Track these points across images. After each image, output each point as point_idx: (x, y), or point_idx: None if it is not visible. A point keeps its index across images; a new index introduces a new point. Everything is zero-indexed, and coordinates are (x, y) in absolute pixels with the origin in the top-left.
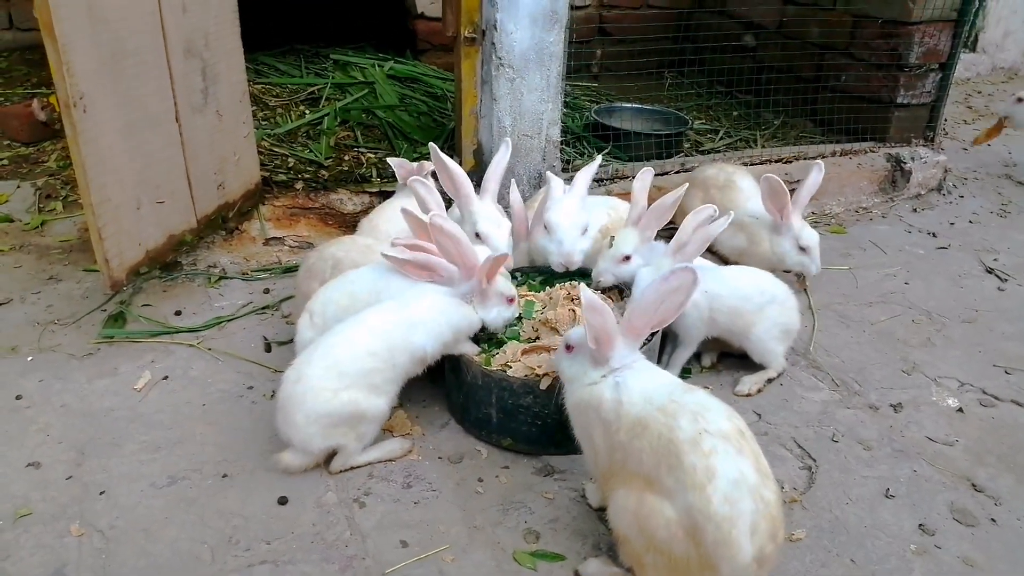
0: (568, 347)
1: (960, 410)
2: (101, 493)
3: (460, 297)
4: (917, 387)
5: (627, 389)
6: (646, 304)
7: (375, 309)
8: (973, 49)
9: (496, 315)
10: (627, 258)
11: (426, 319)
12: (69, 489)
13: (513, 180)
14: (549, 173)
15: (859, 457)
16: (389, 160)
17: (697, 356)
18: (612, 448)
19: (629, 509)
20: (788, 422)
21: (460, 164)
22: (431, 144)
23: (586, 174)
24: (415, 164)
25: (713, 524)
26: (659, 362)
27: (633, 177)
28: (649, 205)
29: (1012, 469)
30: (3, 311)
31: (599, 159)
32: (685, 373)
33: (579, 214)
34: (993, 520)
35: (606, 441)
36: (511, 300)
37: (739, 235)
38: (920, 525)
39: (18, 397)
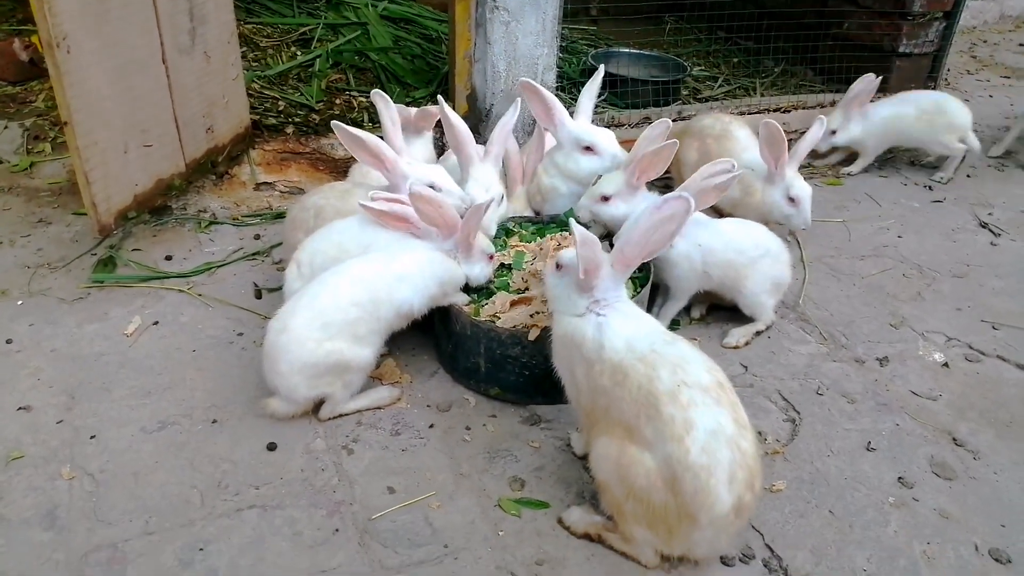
0: (558, 265)
1: (945, 365)
2: (92, 437)
3: (445, 252)
4: (904, 341)
5: (609, 332)
6: (638, 233)
7: (360, 260)
8: None
9: (479, 271)
10: (606, 199)
11: (412, 273)
12: (60, 433)
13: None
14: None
15: (843, 410)
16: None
17: (687, 308)
18: (595, 391)
19: (611, 458)
20: (774, 375)
21: (453, 109)
22: (439, 98)
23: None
24: (414, 110)
25: (691, 474)
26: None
27: (630, 125)
28: None
29: (993, 424)
30: None
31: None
32: (674, 324)
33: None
34: (971, 474)
35: (588, 382)
36: (491, 257)
37: (734, 186)
38: (899, 478)
39: (8, 341)
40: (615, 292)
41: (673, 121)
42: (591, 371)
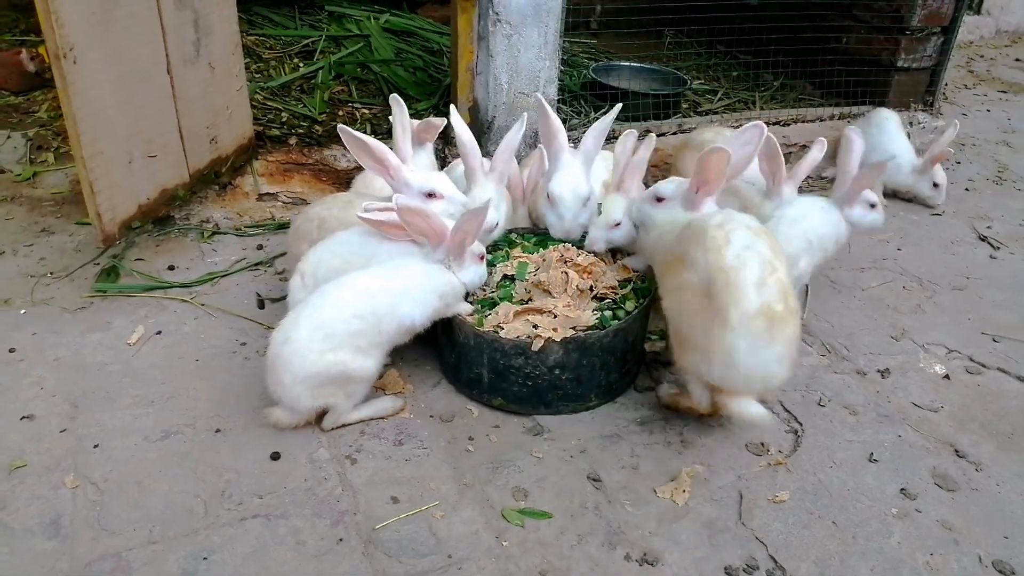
0: (659, 199)
1: (947, 377)
2: (95, 446)
3: (439, 263)
4: (905, 353)
5: (701, 214)
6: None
7: (363, 272)
8: (977, 11)
9: (473, 274)
10: (618, 224)
11: (413, 289)
12: (63, 442)
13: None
14: (555, 121)
15: (844, 422)
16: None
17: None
18: (674, 247)
19: (671, 286)
20: None
21: None
22: (451, 108)
23: (595, 132)
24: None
25: (723, 273)
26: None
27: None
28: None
29: (994, 436)
30: None
31: (614, 111)
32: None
33: (581, 184)
34: (973, 485)
35: (671, 248)
36: (482, 258)
37: (732, 200)
38: (902, 489)
39: (11, 350)
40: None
41: (673, 134)
42: (676, 238)
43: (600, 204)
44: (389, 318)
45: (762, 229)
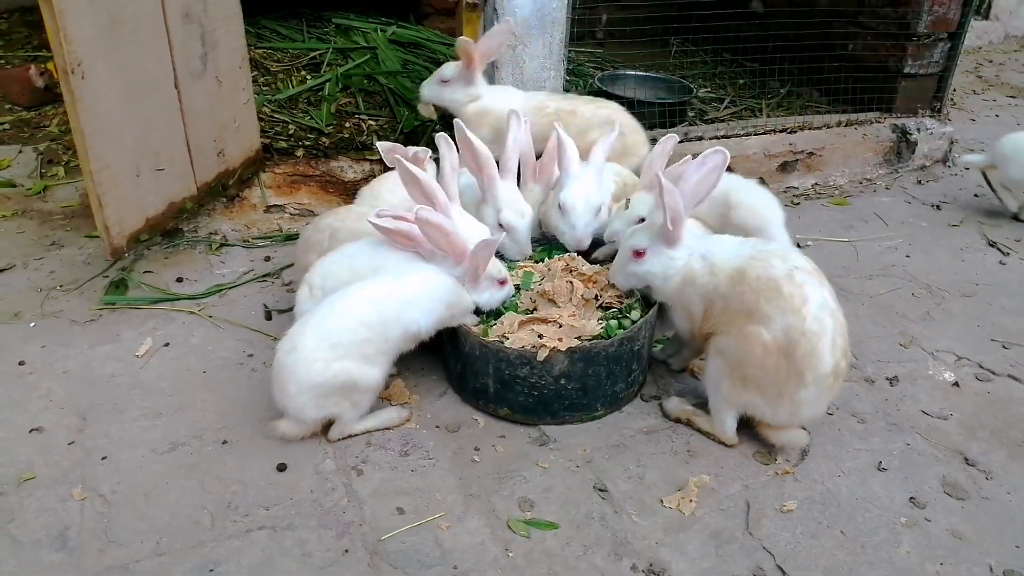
0: (638, 253)
1: (956, 384)
2: (103, 458)
3: (455, 277)
4: (914, 361)
5: (714, 255)
6: (690, 186)
7: (369, 281)
8: (986, 16)
9: (488, 297)
10: (642, 220)
11: (420, 295)
12: (71, 454)
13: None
14: (564, 137)
15: (853, 430)
16: (378, 145)
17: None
18: (711, 305)
19: (729, 345)
20: None
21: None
22: (456, 121)
23: (604, 146)
24: (411, 150)
25: (806, 338)
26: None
27: None
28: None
29: (1005, 444)
30: (6, 277)
31: (617, 131)
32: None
33: (595, 194)
34: (983, 494)
35: (702, 305)
36: (502, 282)
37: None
38: (911, 498)
39: (21, 363)
40: (693, 235)
41: (679, 142)
42: (706, 293)
43: (627, 200)
44: (395, 325)
45: (815, 269)
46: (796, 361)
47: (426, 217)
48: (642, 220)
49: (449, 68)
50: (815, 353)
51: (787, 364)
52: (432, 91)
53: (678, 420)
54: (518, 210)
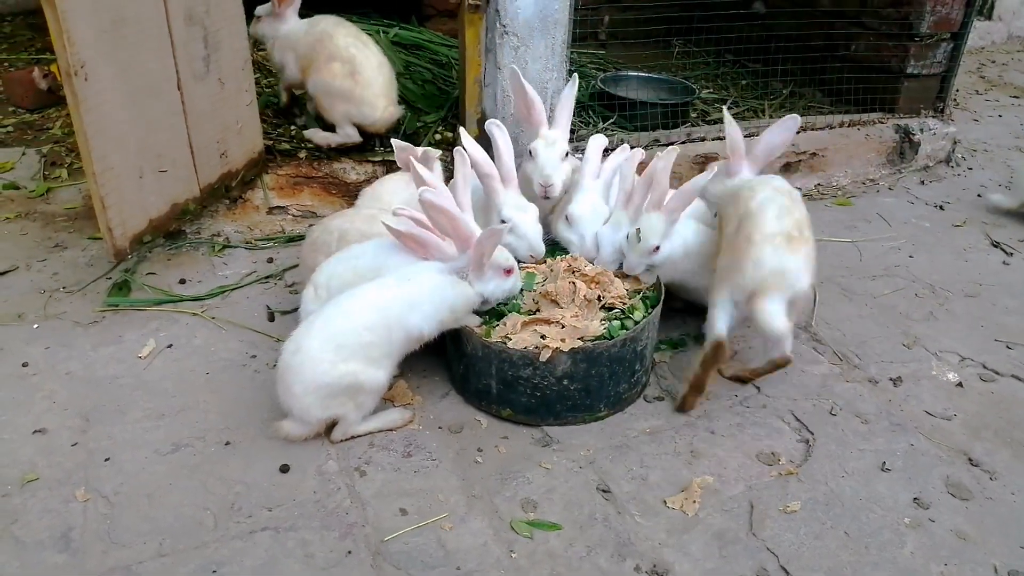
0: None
1: (960, 384)
2: (106, 459)
3: (456, 273)
4: (917, 361)
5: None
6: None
7: (374, 283)
8: (989, 16)
9: (494, 288)
10: (657, 249)
11: (423, 300)
12: (75, 455)
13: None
14: (594, 141)
15: (856, 431)
16: (393, 142)
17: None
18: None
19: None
20: (787, 395)
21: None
22: (460, 130)
23: (611, 164)
24: (419, 150)
25: (751, 213)
26: None
27: (638, 146)
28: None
29: (1009, 444)
30: (9, 278)
31: (626, 147)
32: (680, 345)
33: (601, 205)
34: (987, 494)
35: (735, 217)
36: (509, 271)
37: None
38: (915, 499)
39: (24, 364)
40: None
41: (682, 143)
42: (737, 209)
43: (637, 230)
44: (398, 328)
45: (786, 188)
46: (744, 227)
47: (430, 199)
48: (657, 249)
49: (262, 8)
50: (759, 215)
51: (739, 231)
52: (252, 28)
53: (702, 366)
54: (518, 205)
